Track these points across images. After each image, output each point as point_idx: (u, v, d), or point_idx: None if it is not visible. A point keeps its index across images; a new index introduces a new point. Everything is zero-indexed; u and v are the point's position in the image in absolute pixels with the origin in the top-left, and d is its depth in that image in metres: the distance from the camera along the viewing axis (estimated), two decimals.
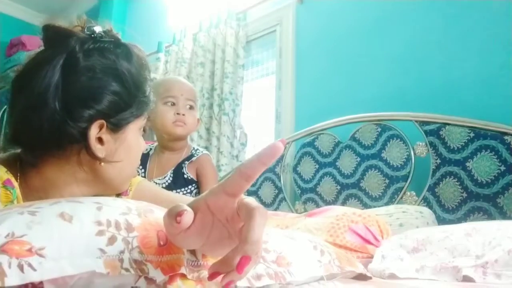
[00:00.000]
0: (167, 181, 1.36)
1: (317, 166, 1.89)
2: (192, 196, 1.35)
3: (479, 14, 1.63)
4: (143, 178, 0.81)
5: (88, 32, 0.63)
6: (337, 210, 1.18)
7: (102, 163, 0.62)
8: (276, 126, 2.31)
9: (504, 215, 1.35)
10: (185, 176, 1.37)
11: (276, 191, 2.01)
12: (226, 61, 2.47)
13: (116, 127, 0.63)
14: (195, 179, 1.38)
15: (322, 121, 1.91)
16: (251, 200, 0.38)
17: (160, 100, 1.33)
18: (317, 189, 1.86)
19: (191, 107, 1.37)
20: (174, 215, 0.37)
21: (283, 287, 0.61)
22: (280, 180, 2.00)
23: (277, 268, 0.62)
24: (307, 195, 1.89)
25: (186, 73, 2.75)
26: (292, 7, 2.34)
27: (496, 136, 1.41)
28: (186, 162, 1.38)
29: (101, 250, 0.41)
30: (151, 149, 1.47)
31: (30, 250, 0.38)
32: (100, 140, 0.61)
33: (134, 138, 0.67)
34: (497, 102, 1.51)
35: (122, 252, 0.42)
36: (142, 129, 0.69)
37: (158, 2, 3.32)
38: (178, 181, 1.35)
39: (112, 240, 0.43)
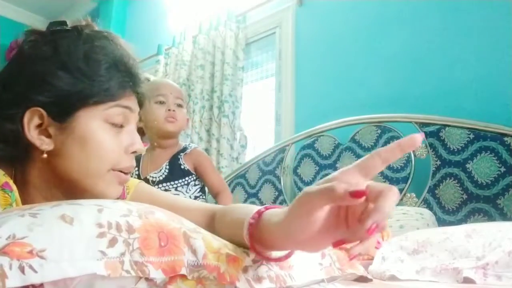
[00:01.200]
0: (163, 173, 1.39)
1: (317, 168, 1.89)
2: (189, 187, 1.36)
3: (479, 15, 1.63)
4: (140, 181, 0.79)
5: (50, 27, 0.61)
6: None
7: (45, 155, 0.58)
8: (276, 128, 2.31)
9: (504, 217, 1.35)
10: (182, 167, 1.40)
11: (276, 193, 2.01)
12: (226, 63, 2.47)
13: (60, 116, 0.58)
14: (191, 171, 1.41)
15: (322, 123, 1.91)
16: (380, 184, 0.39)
17: (151, 99, 1.40)
18: None
19: (180, 105, 1.43)
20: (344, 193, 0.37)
21: None
22: (280, 182, 2.00)
23: (278, 271, 0.62)
24: None
25: (186, 76, 2.75)
26: (291, 9, 2.34)
27: (496, 138, 1.42)
28: (182, 154, 1.42)
29: (102, 252, 0.41)
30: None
31: (31, 252, 0.38)
32: (46, 131, 0.58)
33: (90, 129, 0.59)
34: (497, 103, 1.52)
35: (123, 254, 0.43)
36: (114, 122, 0.61)
37: (157, 4, 3.33)
38: (175, 172, 1.39)
39: (113, 242, 0.43)
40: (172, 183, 1.36)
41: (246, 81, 2.54)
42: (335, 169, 1.82)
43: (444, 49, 1.71)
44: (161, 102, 1.41)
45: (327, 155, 1.87)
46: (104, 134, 0.60)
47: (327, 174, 1.81)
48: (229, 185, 2.20)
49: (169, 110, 1.40)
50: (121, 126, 0.62)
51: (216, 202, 1.41)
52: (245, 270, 0.56)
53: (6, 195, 0.58)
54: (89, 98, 0.58)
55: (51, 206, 0.47)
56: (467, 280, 0.79)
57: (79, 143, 0.58)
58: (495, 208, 1.37)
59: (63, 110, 0.58)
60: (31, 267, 0.37)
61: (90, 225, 0.43)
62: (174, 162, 1.40)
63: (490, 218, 1.37)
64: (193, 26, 2.81)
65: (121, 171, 0.62)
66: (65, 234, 0.41)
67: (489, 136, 1.43)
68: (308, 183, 1.90)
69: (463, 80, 1.63)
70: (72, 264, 0.39)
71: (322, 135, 1.90)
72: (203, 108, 2.54)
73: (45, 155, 0.58)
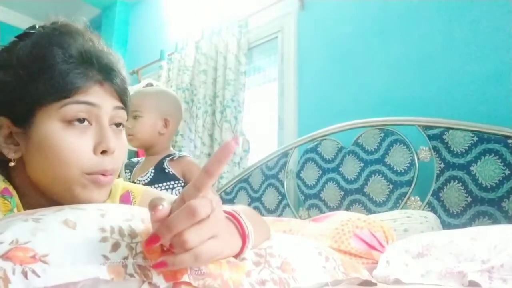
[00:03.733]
0: (148, 177, 1.42)
1: (320, 172, 1.88)
2: (174, 192, 1.40)
3: (482, 18, 1.63)
4: (147, 187, 0.78)
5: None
6: (342, 215, 1.17)
7: (12, 163, 0.57)
8: (279, 132, 2.31)
9: (509, 219, 1.33)
10: (166, 171, 1.42)
11: (280, 198, 2.00)
12: (228, 68, 2.48)
13: (20, 121, 0.55)
14: (178, 176, 1.43)
15: (325, 127, 1.91)
16: (204, 197, 0.42)
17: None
18: (321, 195, 1.85)
19: (135, 117, 1.44)
20: (152, 207, 0.41)
21: None
22: (283, 186, 2.00)
23: (281, 274, 0.62)
24: (310, 201, 1.89)
25: (189, 81, 2.76)
26: (293, 14, 2.35)
27: (500, 140, 1.41)
28: (167, 159, 1.44)
29: (105, 256, 0.41)
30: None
31: (34, 257, 0.38)
32: (14, 139, 0.57)
33: (48, 132, 0.54)
34: (500, 105, 1.51)
35: (125, 258, 0.42)
36: (73, 121, 0.55)
37: (160, 10, 3.35)
38: (159, 176, 1.41)
39: (115, 246, 0.43)
40: (156, 186, 1.39)
41: (249, 86, 2.54)
42: (338, 172, 1.81)
43: (447, 52, 1.70)
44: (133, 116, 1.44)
45: (331, 159, 1.86)
46: (64, 136, 0.54)
47: (330, 178, 1.82)
48: (232, 189, 2.19)
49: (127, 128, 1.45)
50: (87, 124, 0.56)
51: None
52: (248, 274, 0.55)
53: (6, 201, 0.58)
54: (41, 97, 0.54)
55: (54, 211, 0.47)
56: (472, 284, 0.79)
57: (38, 149, 0.55)
58: (500, 211, 1.36)
59: (21, 115, 0.55)
60: (34, 272, 0.37)
61: (93, 230, 0.43)
62: (159, 166, 1.43)
63: (495, 221, 1.36)
64: (196, 31, 2.82)
65: (101, 173, 0.57)
66: (68, 239, 0.41)
67: (493, 138, 1.42)
68: (311, 187, 1.90)
69: (466, 82, 1.62)
70: (75, 268, 0.39)
71: (325, 139, 1.90)
72: (205, 113, 2.55)
73: (11, 164, 0.57)
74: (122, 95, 0.61)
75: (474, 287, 0.78)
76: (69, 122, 0.55)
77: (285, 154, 2.03)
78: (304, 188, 1.92)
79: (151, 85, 2.50)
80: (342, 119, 1.85)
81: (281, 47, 2.39)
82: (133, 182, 1.41)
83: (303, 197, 1.92)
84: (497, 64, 1.56)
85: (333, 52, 2.11)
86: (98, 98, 0.57)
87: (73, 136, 0.55)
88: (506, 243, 0.85)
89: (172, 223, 0.39)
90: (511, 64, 1.52)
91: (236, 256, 0.55)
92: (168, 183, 1.41)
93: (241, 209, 0.59)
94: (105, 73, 0.58)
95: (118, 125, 0.61)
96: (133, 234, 0.45)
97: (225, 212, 0.54)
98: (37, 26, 0.61)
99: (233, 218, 0.54)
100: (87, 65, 0.56)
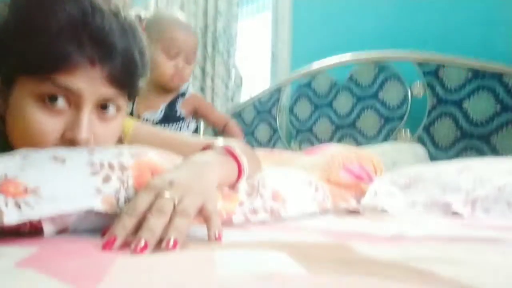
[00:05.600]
0: (159, 116, 1.35)
1: (313, 107, 1.88)
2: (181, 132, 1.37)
3: None
4: (136, 122, 0.76)
5: None
6: (333, 148, 1.19)
7: None
8: (272, 66, 2.26)
9: (496, 154, 1.37)
10: (178, 113, 1.36)
11: (272, 132, 2.02)
12: None
13: (5, 81, 0.52)
14: (185, 116, 1.38)
15: (319, 60, 1.87)
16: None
17: (160, 45, 1.25)
18: (313, 129, 1.87)
19: (188, 62, 1.33)
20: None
21: (277, 220, 0.62)
22: (276, 121, 2.00)
23: (272, 204, 0.64)
24: (302, 135, 1.91)
25: (178, 11, 2.63)
26: None
27: (494, 76, 1.39)
28: (181, 99, 1.37)
29: (98, 188, 0.42)
30: None
31: (25, 190, 0.38)
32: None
33: (22, 103, 0.49)
34: (497, 42, 1.47)
35: (118, 191, 0.43)
36: (47, 101, 0.49)
37: None
38: (170, 117, 1.35)
39: (107, 179, 0.43)
40: (165, 125, 1.35)
41: (241, 17, 2.43)
42: (331, 108, 1.81)
43: None
44: (171, 56, 1.26)
45: (324, 94, 1.85)
46: (35, 113, 0.49)
47: (323, 113, 1.82)
48: None
49: (177, 68, 1.28)
50: (63, 106, 0.50)
51: (223, 136, 1.42)
52: (241, 204, 0.57)
53: None
54: (19, 66, 0.49)
55: (41, 150, 0.46)
56: (456, 213, 0.82)
57: (12, 116, 0.52)
58: (488, 146, 1.39)
59: (5, 76, 0.51)
60: (27, 203, 0.37)
61: (82, 164, 0.43)
62: (171, 107, 1.36)
63: (482, 155, 1.40)
64: None
65: None
66: (58, 173, 0.41)
67: (487, 75, 1.41)
68: (303, 122, 1.91)
69: (463, 17, 1.57)
70: (68, 200, 0.40)
71: (319, 74, 1.87)
72: None
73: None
74: (121, 80, 0.51)
75: (457, 216, 0.81)
76: (43, 100, 0.49)
77: (278, 90, 2.01)
78: (297, 123, 1.93)
79: (140, 17, 2.39)
80: (338, 52, 1.81)
81: None
82: (137, 115, 1.33)
83: (295, 132, 1.94)
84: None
85: None
86: (83, 83, 0.49)
87: (44, 116, 0.49)
88: (491, 175, 0.87)
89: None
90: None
91: (232, 186, 0.57)
92: (176, 124, 1.36)
93: (236, 144, 0.60)
94: (101, 51, 0.48)
95: (105, 106, 0.53)
96: (123, 168, 0.45)
97: (223, 147, 0.57)
98: None
99: (229, 153, 0.57)
100: (76, 38, 0.47)
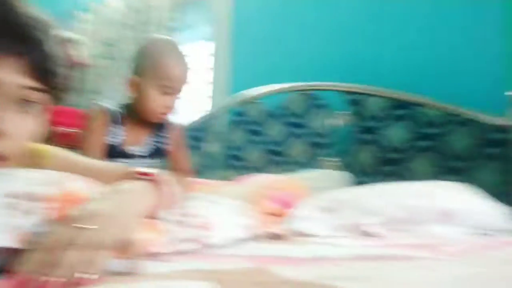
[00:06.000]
0: (146, 150, 1.21)
1: (246, 135, 1.93)
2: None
3: None
4: (53, 147, 0.69)
5: None
6: (258, 178, 1.23)
7: None
8: (212, 92, 2.29)
9: (411, 178, 1.49)
10: (163, 143, 1.24)
11: (204, 159, 2.02)
12: (158, 23, 2.37)
13: None
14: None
15: (253, 88, 1.93)
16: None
17: (153, 80, 1.13)
18: (246, 158, 1.91)
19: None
20: None
21: (203, 249, 0.63)
22: (208, 148, 2.02)
23: (200, 232, 0.65)
24: (235, 163, 1.94)
25: (112, 35, 2.60)
26: None
27: (409, 107, 1.53)
28: (169, 126, 1.25)
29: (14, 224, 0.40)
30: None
31: None
32: None
33: None
34: (416, 73, 1.61)
35: (36, 224, 0.42)
36: None
37: None
38: (156, 151, 1.22)
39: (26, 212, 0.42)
40: (154, 161, 1.20)
41: (181, 43, 2.45)
42: (264, 136, 1.87)
43: (373, 23, 1.78)
44: (165, 92, 1.14)
45: (257, 122, 1.91)
46: None
47: (257, 141, 1.87)
48: None
49: (167, 106, 1.16)
50: None
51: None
52: (166, 233, 0.58)
53: None
54: None
55: None
56: (372, 235, 0.89)
57: None
58: (404, 171, 1.52)
59: None
60: None
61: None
62: (159, 135, 1.23)
63: (399, 179, 1.51)
64: None
65: None
66: None
67: (408, 105, 1.54)
68: (239, 149, 1.94)
69: (385, 51, 1.72)
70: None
71: (254, 102, 1.93)
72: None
73: None
74: (41, 73, 0.52)
75: (374, 238, 0.88)
76: None
77: (214, 116, 2.04)
78: (230, 150, 1.97)
79: (70, 40, 2.32)
80: (275, 81, 1.87)
81: (217, 4, 2.33)
82: (123, 150, 1.16)
83: (228, 160, 1.96)
84: (410, 35, 1.66)
85: (271, 13, 2.10)
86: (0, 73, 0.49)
87: None
88: (404, 199, 0.96)
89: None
90: (423, 37, 1.64)
91: (158, 216, 0.57)
92: (160, 161, 1.21)
93: (161, 172, 0.61)
94: (19, 44, 0.49)
95: (26, 102, 0.52)
96: (42, 199, 0.44)
97: (150, 175, 0.57)
98: None
99: (156, 182, 0.57)
100: None
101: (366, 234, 0.89)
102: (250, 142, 1.91)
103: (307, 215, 0.93)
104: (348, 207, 0.96)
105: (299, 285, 0.37)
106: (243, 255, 0.58)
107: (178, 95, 1.18)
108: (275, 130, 1.85)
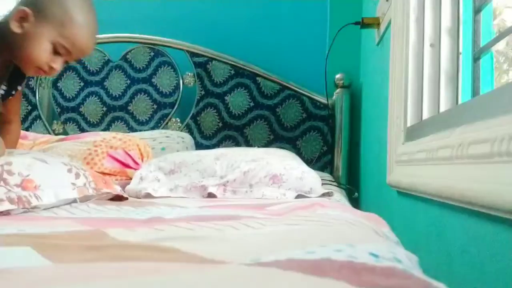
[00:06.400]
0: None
1: (82, 84, 1.74)
2: None
3: None
4: None
5: None
6: (96, 136, 1.14)
7: None
8: None
9: (248, 143, 1.62)
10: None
11: (30, 108, 1.75)
12: None
13: None
14: None
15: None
16: None
17: (54, 33, 0.85)
18: (80, 109, 1.73)
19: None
20: None
21: (27, 211, 0.57)
22: (35, 96, 1.75)
23: (21, 192, 0.57)
24: (68, 115, 1.74)
25: None
26: None
27: (250, 76, 1.64)
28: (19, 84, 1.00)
29: None
30: None
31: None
32: None
33: None
34: (260, 47, 1.73)
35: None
36: None
37: None
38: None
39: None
40: None
41: None
42: (103, 87, 1.72)
43: None
44: (56, 52, 0.87)
45: (95, 71, 1.74)
46: None
47: (93, 92, 1.71)
48: None
49: (51, 66, 0.87)
50: None
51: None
52: None
53: None
54: None
55: None
56: (211, 195, 0.93)
57: None
58: (242, 136, 1.63)
59: None
60: None
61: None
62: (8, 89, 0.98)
63: (237, 144, 1.62)
64: None
65: None
66: None
67: (246, 74, 1.64)
68: (70, 99, 1.74)
69: (232, 19, 1.77)
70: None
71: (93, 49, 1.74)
72: None
73: None
74: None
75: (211, 198, 0.92)
76: None
77: None
78: (61, 99, 1.75)
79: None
80: (114, 31, 1.72)
81: None
82: None
83: (58, 110, 1.74)
84: (263, 9, 1.75)
85: None
86: None
87: None
88: (240, 162, 1.03)
89: None
90: (267, 8, 1.74)
91: None
92: None
93: None
94: None
95: None
96: None
97: None
98: None
99: None
100: None
101: (206, 194, 0.93)
102: (86, 92, 1.73)
103: (152, 176, 0.91)
104: (190, 169, 0.98)
105: (136, 248, 0.36)
106: (75, 217, 0.53)
107: (70, 63, 0.96)
108: (116, 82, 1.71)
